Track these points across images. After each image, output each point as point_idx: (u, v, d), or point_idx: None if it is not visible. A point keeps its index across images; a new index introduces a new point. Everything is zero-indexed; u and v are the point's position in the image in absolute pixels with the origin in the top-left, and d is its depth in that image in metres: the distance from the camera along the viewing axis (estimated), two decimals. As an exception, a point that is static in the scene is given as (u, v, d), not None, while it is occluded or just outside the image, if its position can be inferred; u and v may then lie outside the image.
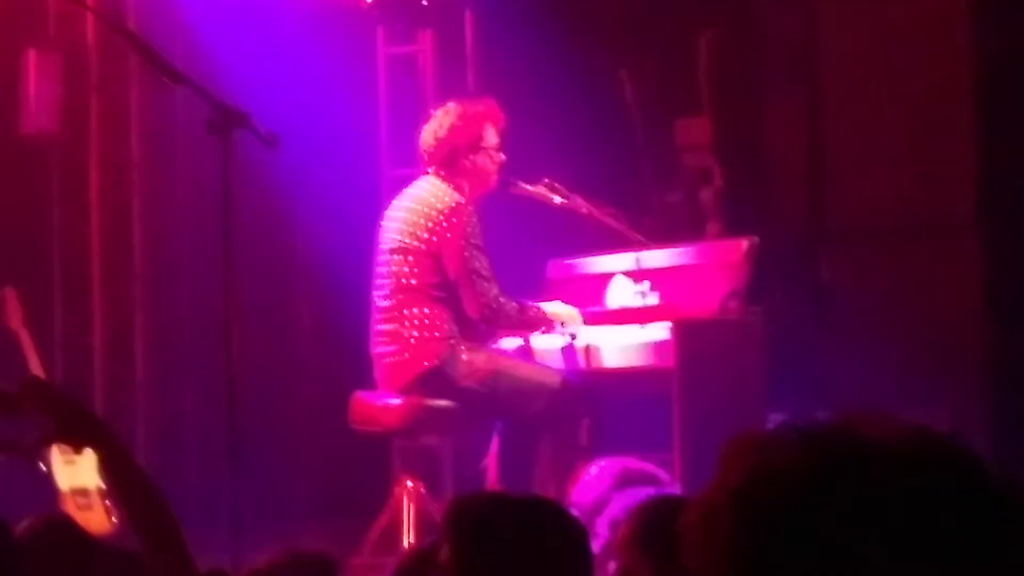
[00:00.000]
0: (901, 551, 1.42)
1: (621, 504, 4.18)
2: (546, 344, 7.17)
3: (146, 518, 2.82)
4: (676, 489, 5.88)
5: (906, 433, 1.48)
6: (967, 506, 1.44)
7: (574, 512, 4.55)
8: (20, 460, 7.22)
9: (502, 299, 6.99)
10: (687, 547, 1.53)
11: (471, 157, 7.09)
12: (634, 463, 5.37)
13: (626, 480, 4.66)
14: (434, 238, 6.95)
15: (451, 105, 7.22)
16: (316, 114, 8.68)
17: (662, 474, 5.86)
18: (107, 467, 2.89)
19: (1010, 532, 1.44)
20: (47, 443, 2.97)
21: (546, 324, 7.12)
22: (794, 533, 1.44)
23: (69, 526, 4.02)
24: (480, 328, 7.09)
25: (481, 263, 6.96)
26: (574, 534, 3.24)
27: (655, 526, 3.80)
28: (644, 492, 4.66)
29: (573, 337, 7.13)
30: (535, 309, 7.09)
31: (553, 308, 7.14)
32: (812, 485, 1.45)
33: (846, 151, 7.80)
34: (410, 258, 7.01)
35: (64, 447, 7.28)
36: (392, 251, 7.07)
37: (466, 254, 6.93)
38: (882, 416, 1.49)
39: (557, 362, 7.13)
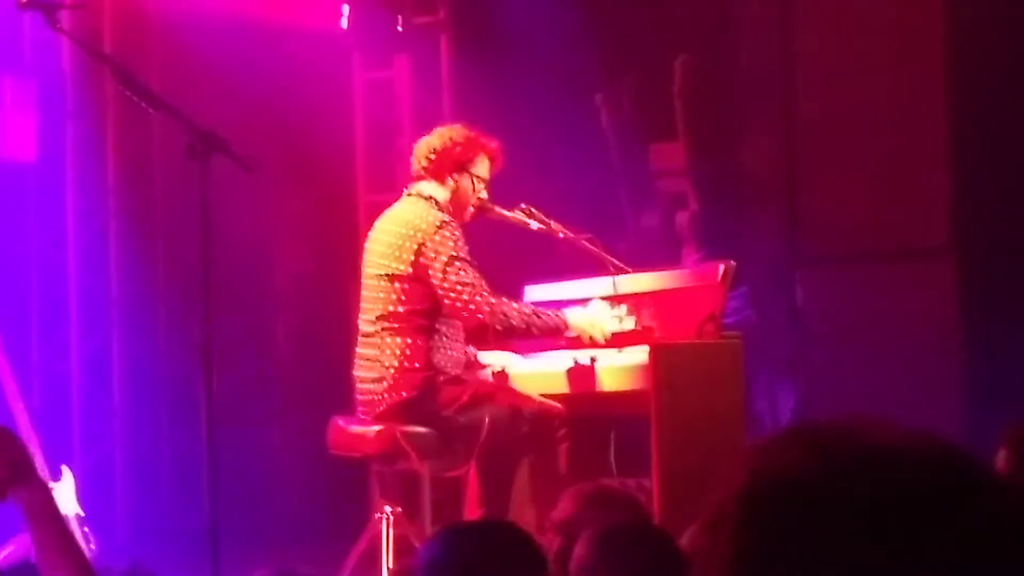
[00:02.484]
0: (905, 555, 1.42)
1: (594, 529, 4.21)
2: (551, 365, 7.11)
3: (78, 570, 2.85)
4: (649, 512, 5.91)
5: (911, 437, 1.48)
6: (973, 512, 1.44)
7: (549, 537, 4.59)
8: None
9: (493, 299, 6.90)
10: (695, 554, 1.54)
11: (455, 176, 7.05)
12: (608, 486, 5.38)
13: (600, 503, 4.67)
14: (421, 259, 6.91)
15: (458, 126, 7.23)
16: (293, 138, 8.72)
17: (637, 496, 5.89)
18: (40, 520, 2.85)
19: (1016, 540, 1.44)
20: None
21: (563, 335, 7.01)
22: (797, 536, 1.44)
23: None
24: (488, 338, 7.04)
25: (468, 274, 6.90)
26: (530, 556, 3.28)
27: (615, 551, 3.83)
28: (617, 516, 4.67)
29: (593, 360, 7.01)
30: (550, 314, 6.96)
31: (577, 319, 7.00)
32: (815, 487, 1.45)
33: (820, 176, 7.83)
34: (396, 284, 6.97)
35: (42, 473, 7.31)
36: (377, 276, 7.04)
37: (450, 271, 6.88)
38: (883, 420, 1.50)
39: (535, 388, 7.10)
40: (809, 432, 1.50)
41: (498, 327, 6.98)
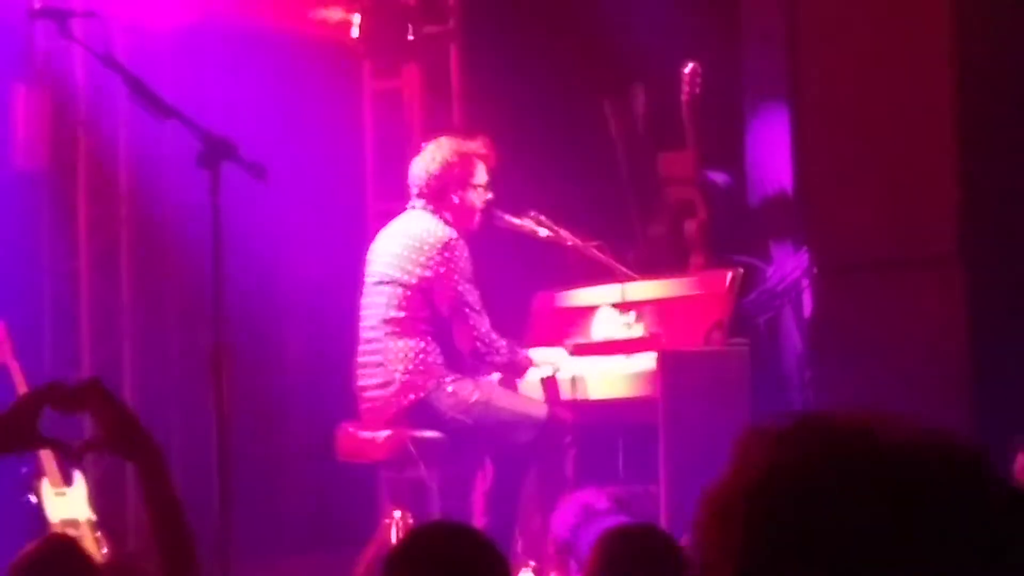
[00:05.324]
0: (915, 551, 1.41)
1: (587, 539, 4.21)
2: (529, 376, 7.22)
3: (169, 541, 2.82)
4: (640, 517, 5.94)
5: (920, 432, 1.47)
6: (984, 509, 1.44)
7: (551, 548, 4.62)
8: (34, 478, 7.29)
9: (494, 335, 7.04)
10: (699, 543, 1.50)
11: (460, 193, 7.13)
12: (596, 496, 5.38)
13: (591, 513, 4.67)
14: (427, 273, 6.98)
15: (443, 140, 7.27)
16: (303, 147, 8.71)
17: (626, 503, 5.94)
18: (145, 484, 2.85)
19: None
20: (92, 448, 2.93)
21: (531, 367, 7.19)
22: (811, 531, 1.42)
23: (73, 548, 4.07)
24: (467, 363, 7.12)
25: (473, 297, 7.01)
26: (491, 561, 3.31)
27: (618, 555, 3.85)
28: (610, 522, 4.67)
29: (556, 370, 7.18)
30: (524, 353, 7.14)
31: (541, 355, 7.20)
32: (825, 482, 1.43)
33: (829, 184, 7.82)
34: (399, 291, 7.03)
35: (55, 478, 7.35)
36: (380, 283, 7.09)
37: (460, 288, 6.97)
38: (894, 415, 1.49)
39: (539, 393, 7.19)
40: (819, 426, 1.48)
41: (487, 357, 7.06)
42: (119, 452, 2.86)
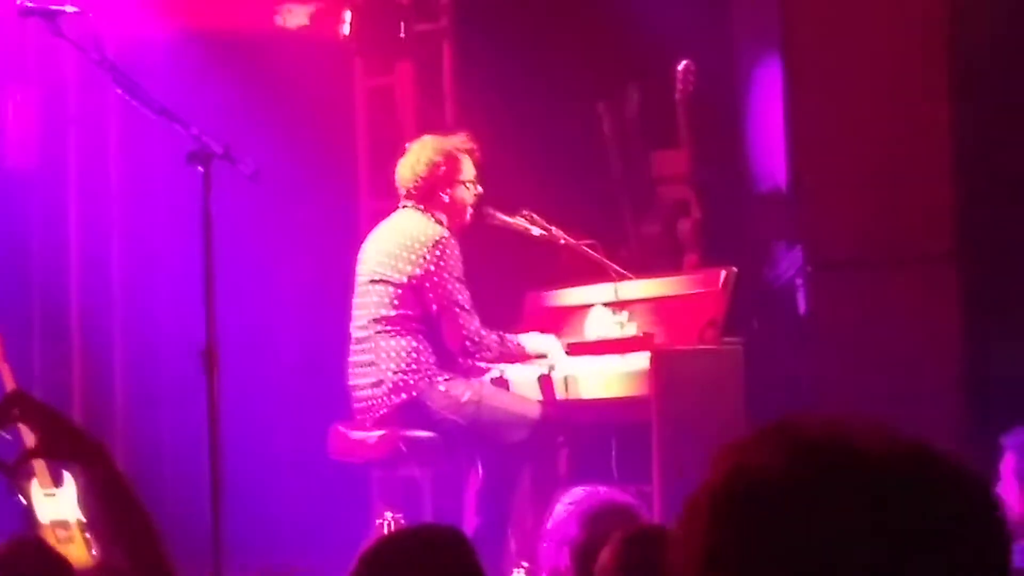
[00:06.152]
0: (875, 551, 1.42)
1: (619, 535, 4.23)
2: (523, 375, 7.22)
3: (129, 534, 2.79)
4: (650, 519, 5.92)
5: (904, 447, 1.48)
6: (945, 509, 1.45)
7: (544, 547, 4.61)
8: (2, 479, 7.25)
9: (483, 331, 7.05)
10: (671, 548, 1.53)
11: (449, 191, 7.15)
12: (603, 496, 5.40)
13: (594, 516, 4.69)
14: (418, 271, 7.00)
15: (427, 139, 7.29)
16: (295, 144, 8.72)
17: (634, 505, 5.91)
18: (92, 481, 2.81)
19: (983, 534, 1.46)
20: (30, 458, 2.87)
21: (525, 358, 7.19)
22: (771, 534, 1.44)
23: (43, 548, 4.03)
24: (458, 361, 7.13)
25: (464, 296, 7.03)
26: (468, 560, 3.32)
27: (636, 557, 3.83)
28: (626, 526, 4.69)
29: (551, 369, 7.18)
30: (515, 342, 7.15)
31: (532, 341, 7.20)
32: (794, 487, 1.44)
33: (822, 183, 7.86)
34: (390, 289, 7.05)
35: (44, 479, 7.32)
36: (372, 282, 7.11)
37: (450, 287, 6.99)
38: (875, 424, 1.49)
39: (534, 392, 7.19)
40: (786, 431, 1.50)
41: (476, 355, 7.08)
42: (58, 456, 2.87)
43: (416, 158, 7.16)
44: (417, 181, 7.13)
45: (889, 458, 1.46)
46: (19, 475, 7.05)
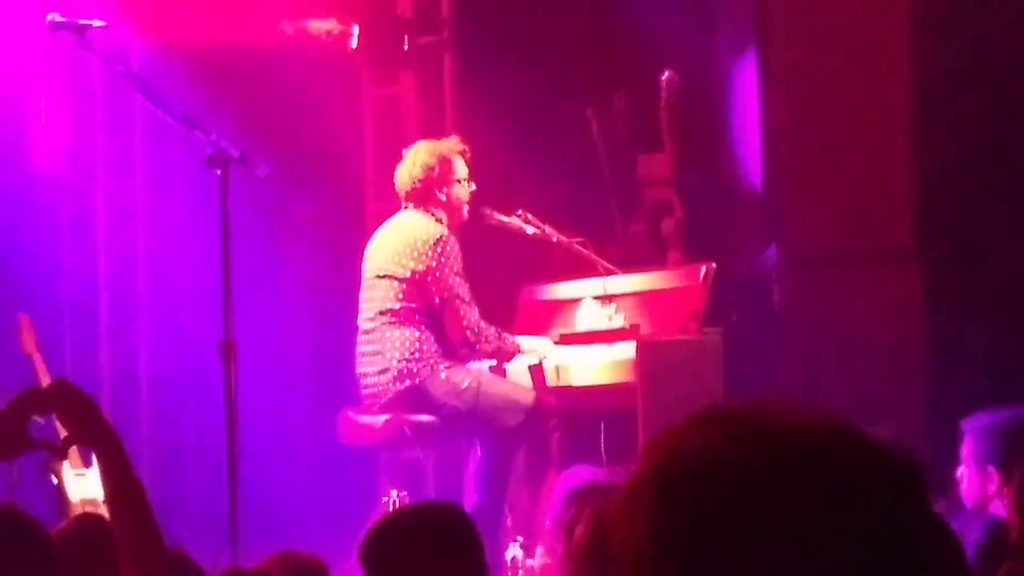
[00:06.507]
0: (808, 537, 1.44)
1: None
2: (516, 363, 7.42)
3: (129, 523, 2.86)
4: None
5: (817, 423, 1.50)
6: (866, 481, 1.47)
7: (548, 522, 4.88)
8: (52, 461, 7.39)
9: (483, 323, 7.23)
10: (611, 533, 1.53)
11: (445, 190, 7.31)
12: (586, 475, 5.55)
13: (577, 494, 4.90)
14: (420, 267, 7.17)
15: (420, 144, 7.46)
16: (307, 149, 8.81)
17: (618, 485, 6.13)
18: (105, 468, 2.88)
19: (906, 505, 1.48)
20: (72, 443, 2.91)
21: (519, 353, 7.39)
22: (706, 514, 1.45)
23: (15, 513, 4.04)
24: (459, 352, 7.33)
25: (464, 289, 7.20)
26: (467, 534, 3.59)
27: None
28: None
29: (542, 358, 7.39)
30: (511, 340, 7.35)
31: (528, 342, 7.42)
32: (733, 466, 1.46)
33: (796, 184, 7.91)
34: (394, 284, 7.22)
35: (75, 460, 7.61)
36: (377, 277, 7.28)
37: (451, 281, 7.17)
38: (792, 404, 1.52)
39: (526, 380, 7.39)
40: (716, 415, 1.52)
41: (476, 344, 7.27)
42: (84, 441, 2.92)
43: (412, 162, 7.32)
44: (414, 184, 7.29)
45: (811, 434, 1.48)
46: (66, 457, 7.32)
